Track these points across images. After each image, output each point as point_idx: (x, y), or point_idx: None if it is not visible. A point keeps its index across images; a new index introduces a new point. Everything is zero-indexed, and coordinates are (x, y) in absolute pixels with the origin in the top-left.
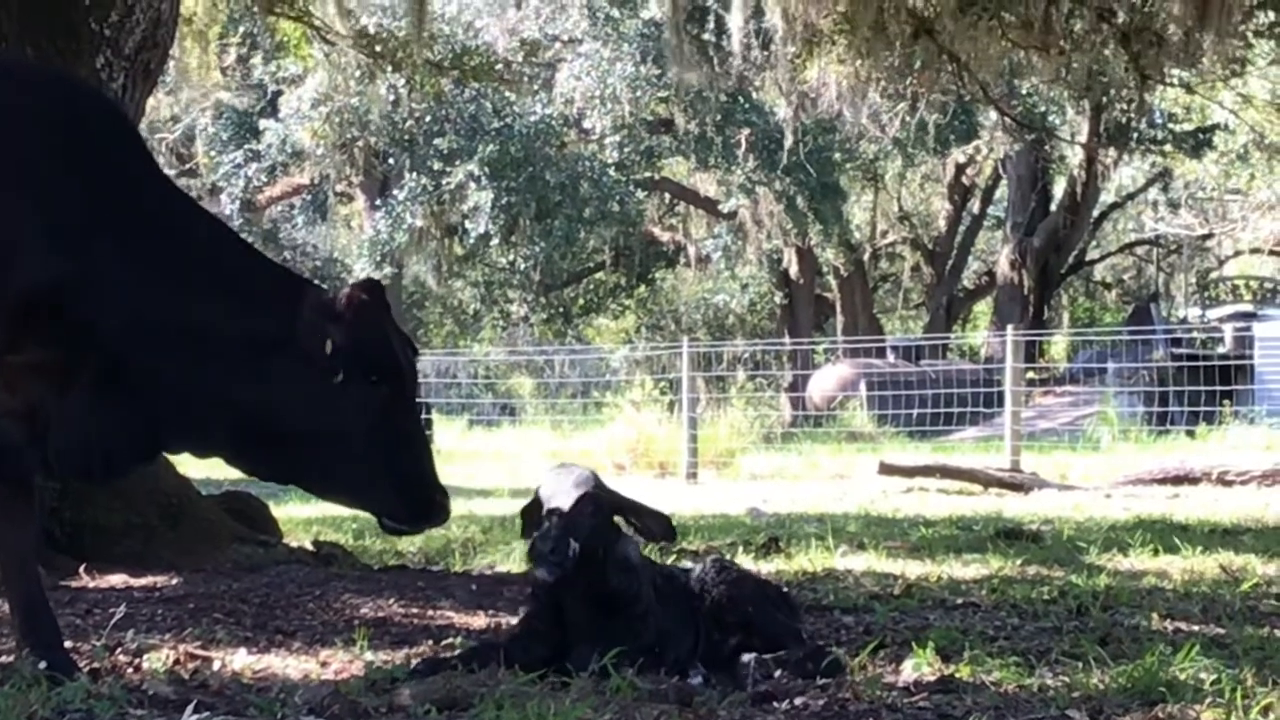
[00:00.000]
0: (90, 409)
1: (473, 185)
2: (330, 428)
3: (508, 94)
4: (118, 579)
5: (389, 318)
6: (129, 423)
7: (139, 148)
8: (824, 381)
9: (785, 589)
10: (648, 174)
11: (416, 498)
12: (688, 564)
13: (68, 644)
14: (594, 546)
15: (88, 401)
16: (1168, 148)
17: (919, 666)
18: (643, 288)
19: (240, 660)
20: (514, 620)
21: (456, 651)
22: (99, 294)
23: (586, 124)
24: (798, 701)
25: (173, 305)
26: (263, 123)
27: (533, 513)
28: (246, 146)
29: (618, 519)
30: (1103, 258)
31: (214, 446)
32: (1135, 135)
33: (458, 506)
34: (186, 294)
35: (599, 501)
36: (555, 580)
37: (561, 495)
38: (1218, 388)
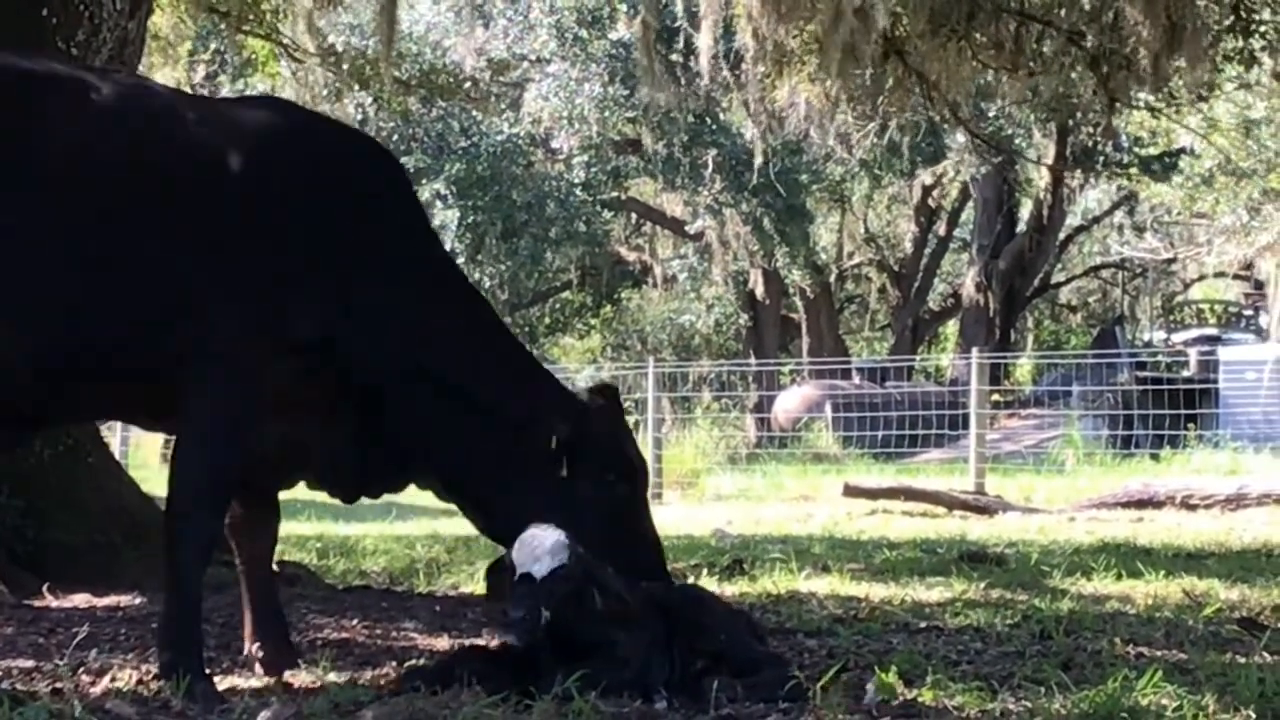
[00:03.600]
0: (354, 441)
1: (439, 204)
2: (571, 508)
3: (475, 113)
4: (81, 598)
5: (623, 422)
6: (384, 456)
7: (415, 207)
8: (789, 402)
9: (749, 612)
10: (614, 194)
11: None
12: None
13: (29, 663)
14: (565, 613)
15: (352, 434)
16: (1134, 171)
17: (882, 690)
18: (609, 307)
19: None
20: (476, 641)
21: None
22: (367, 343)
23: (554, 143)
24: None
25: (431, 364)
26: None
27: (497, 576)
28: None
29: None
30: (1068, 280)
31: (452, 494)
32: (1102, 158)
33: (422, 526)
34: (444, 356)
35: (572, 573)
36: (524, 646)
37: (533, 564)
38: (1182, 411)
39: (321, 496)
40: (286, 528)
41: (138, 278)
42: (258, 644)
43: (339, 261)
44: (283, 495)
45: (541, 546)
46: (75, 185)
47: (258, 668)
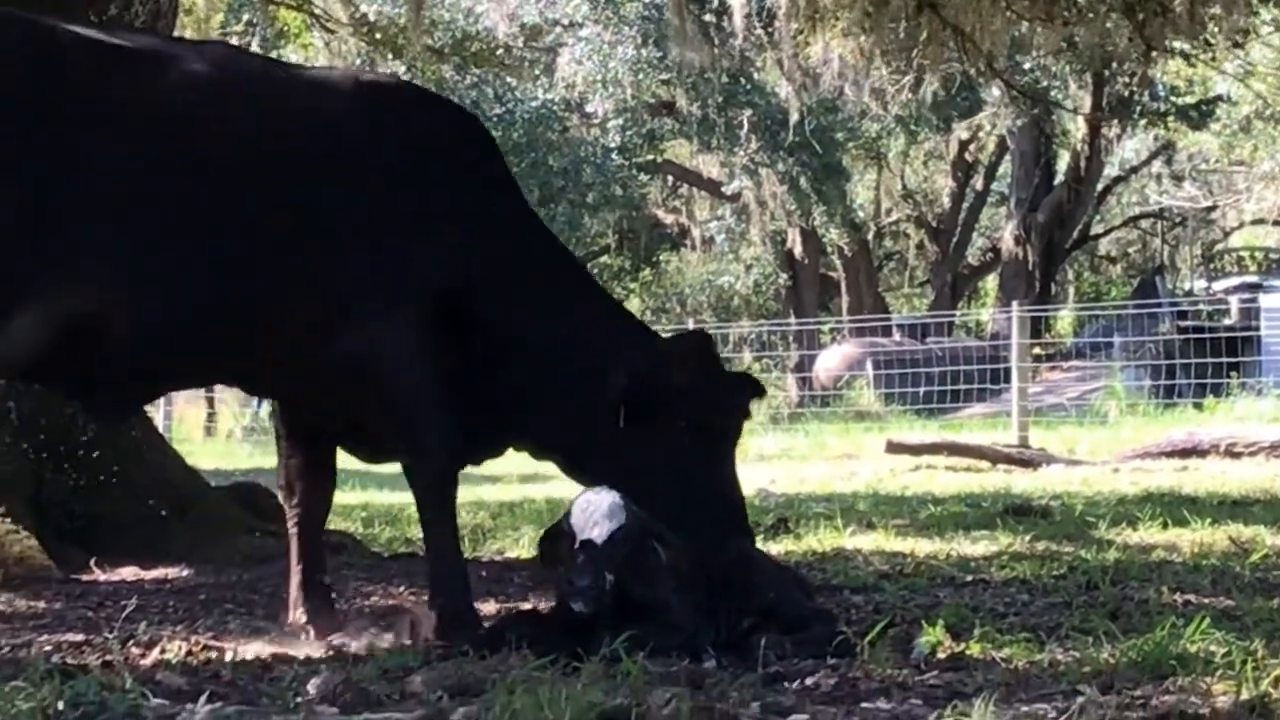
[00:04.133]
0: (467, 399)
1: None
2: (640, 460)
3: (509, 79)
4: (129, 571)
5: (717, 369)
6: (494, 414)
7: (505, 166)
8: (830, 361)
9: (796, 569)
10: (650, 157)
11: (709, 537)
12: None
13: (79, 637)
14: (626, 577)
15: (465, 391)
16: (1171, 119)
17: (929, 644)
18: (647, 271)
19: (252, 650)
20: (524, 606)
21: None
22: (476, 300)
23: (588, 108)
24: (809, 681)
25: (534, 322)
26: None
27: (553, 542)
28: None
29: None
30: (1107, 232)
31: (551, 453)
32: (1138, 107)
33: (466, 493)
34: (547, 313)
35: (631, 533)
36: (592, 613)
37: (592, 528)
38: (1224, 359)
39: (367, 465)
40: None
41: (276, 246)
42: (303, 609)
43: (448, 220)
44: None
45: (599, 510)
46: (210, 154)
47: (303, 634)
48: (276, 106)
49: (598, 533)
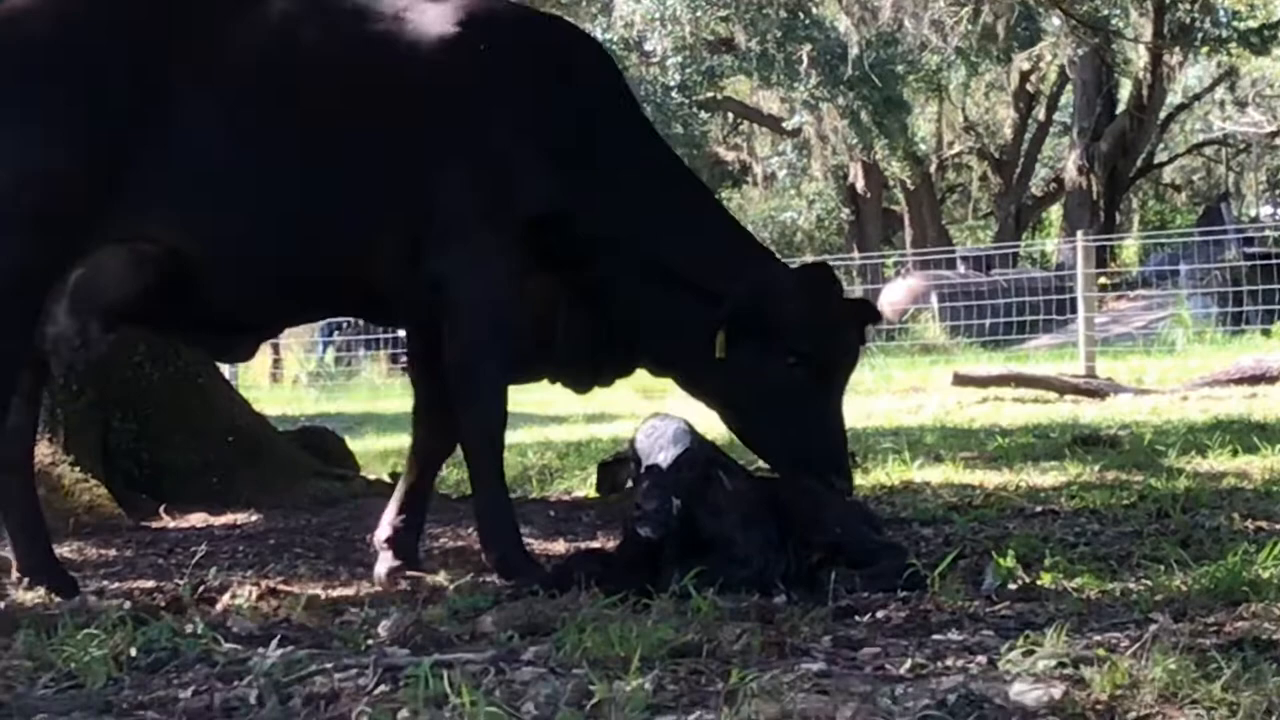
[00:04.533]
0: (587, 327)
1: None
2: (744, 388)
3: (566, 19)
4: (198, 518)
5: (832, 305)
6: (615, 341)
7: (626, 89)
8: (895, 295)
9: (865, 503)
10: (710, 94)
11: (805, 474)
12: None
13: (149, 584)
14: (692, 503)
15: (584, 320)
16: (1233, 45)
17: (1000, 575)
18: None
19: (323, 594)
20: (592, 545)
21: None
22: (593, 222)
23: (647, 47)
24: (880, 614)
25: (657, 241)
26: None
27: (613, 470)
28: None
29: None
30: (1171, 159)
31: (668, 371)
32: (1200, 34)
33: (533, 434)
34: (669, 232)
35: (696, 458)
36: (659, 537)
37: (658, 453)
38: None
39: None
40: (397, 441)
41: (374, 171)
42: (388, 539)
43: (558, 141)
44: (394, 408)
45: (664, 435)
46: (308, 81)
47: (379, 569)
48: (376, 28)
49: (663, 458)
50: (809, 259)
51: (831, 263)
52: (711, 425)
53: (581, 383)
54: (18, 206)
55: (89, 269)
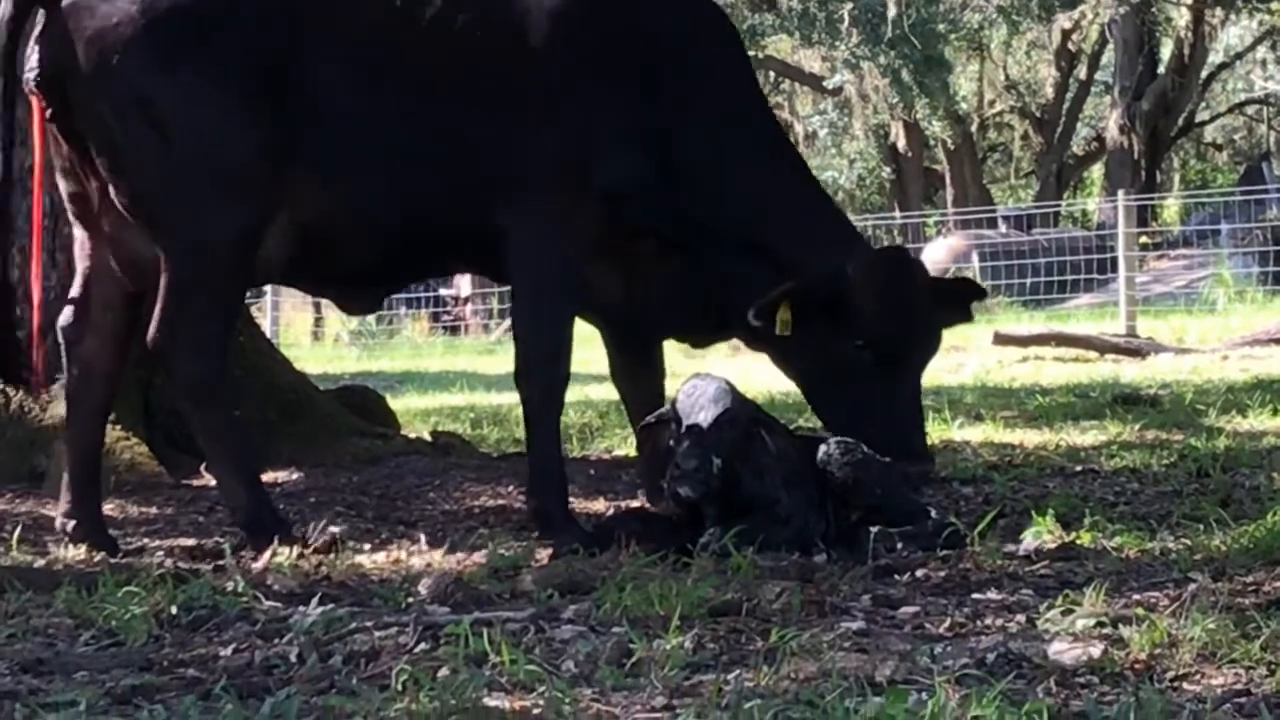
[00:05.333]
0: (677, 290)
1: None
2: (818, 367)
3: None
4: None
5: (909, 290)
6: (704, 301)
7: (738, 58)
8: (936, 254)
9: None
10: (751, 53)
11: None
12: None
13: (190, 542)
14: (734, 463)
15: (674, 284)
16: (1275, 5)
17: (1039, 534)
18: None
19: (363, 552)
20: (632, 504)
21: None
22: (678, 192)
23: None
24: (919, 574)
25: (746, 217)
26: None
27: (654, 431)
28: None
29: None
30: (1213, 119)
31: (753, 344)
32: None
33: (573, 393)
34: (758, 209)
35: (738, 417)
36: (699, 497)
37: (698, 412)
38: None
39: (474, 366)
40: (438, 400)
41: (465, 134)
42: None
43: (658, 112)
44: (434, 366)
45: (705, 395)
46: (428, 51)
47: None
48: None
49: (703, 417)
50: (850, 219)
51: (873, 222)
52: (752, 384)
53: (695, 340)
54: (219, 174)
55: None
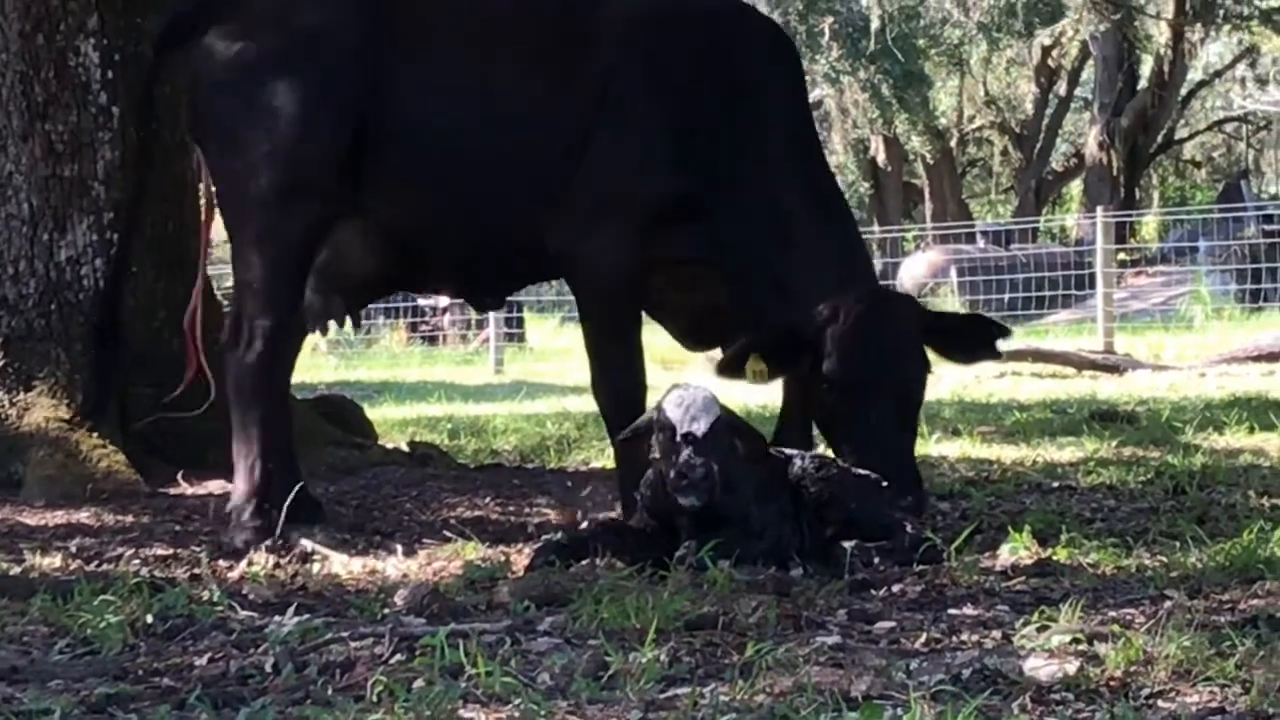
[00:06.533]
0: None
1: None
2: (816, 405)
3: None
4: (215, 484)
5: (888, 334)
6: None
7: (792, 89)
8: (915, 268)
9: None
10: None
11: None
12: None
13: (166, 550)
14: (727, 473)
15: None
16: (1255, 23)
17: (1016, 550)
18: None
19: (339, 562)
20: (610, 516)
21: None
22: (715, 215)
23: None
24: (895, 588)
25: (767, 251)
26: None
27: (633, 445)
28: None
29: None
30: (1192, 136)
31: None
32: (1222, 11)
33: (551, 404)
34: (780, 242)
35: (726, 429)
36: (704, 505)
37: (692, 421)
38: None
39: (452, 377)
40: (416, 409)
41: (531, 151)
42: None
43: (712, 139)
44: (412, 376)
45: (696, 403)
46: (478, 63)
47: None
48: (566, 14)
49: (698, 426)
50: None
51: None
52: (731, 397)
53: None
54: (284, 179)
55: (331, 251)
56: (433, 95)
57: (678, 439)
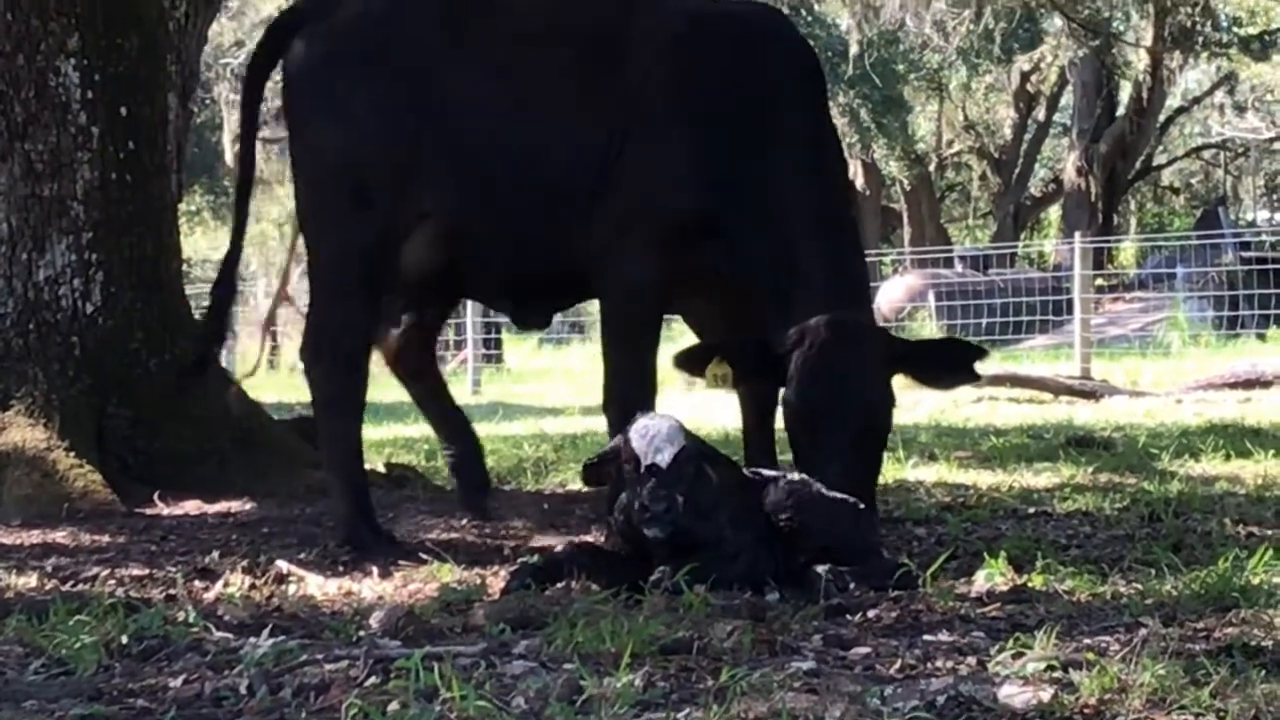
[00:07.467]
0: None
1: None
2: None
3: None
4: (192, 505)
5: (850, 364)
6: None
7: (811, 101)
8: (893, 293)
9: (854, 502)
10: None
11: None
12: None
13: (142, 571)
14: (688, 502)
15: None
16: (1233, 51)
17: (991, 577)
18: None
19: (315, 583)
20: (586, 538)
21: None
22: (727, 230)
23: None
24: (871, 614)
25: (772, 260)
26: None
27: (600, 467)
28: None
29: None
30: (1170, 162)
31: None
32: (1200, 39)
33: (528, 426)
34: (782, 257)
35: (692, 454)
36: (667, 537)
37: (656, 453)
38: None
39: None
40: (393, 430)
41: (569, 164)
42: None
43: (731, 149)
44: (389, 397)
45: (660, 434)
46: (523, 77)
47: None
48: (608, 32)
49: (662, 458)
50: None
51: None
52: (701, 423)
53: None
54: (355, 188)
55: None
56: (479, 107)
57: (642, 470)
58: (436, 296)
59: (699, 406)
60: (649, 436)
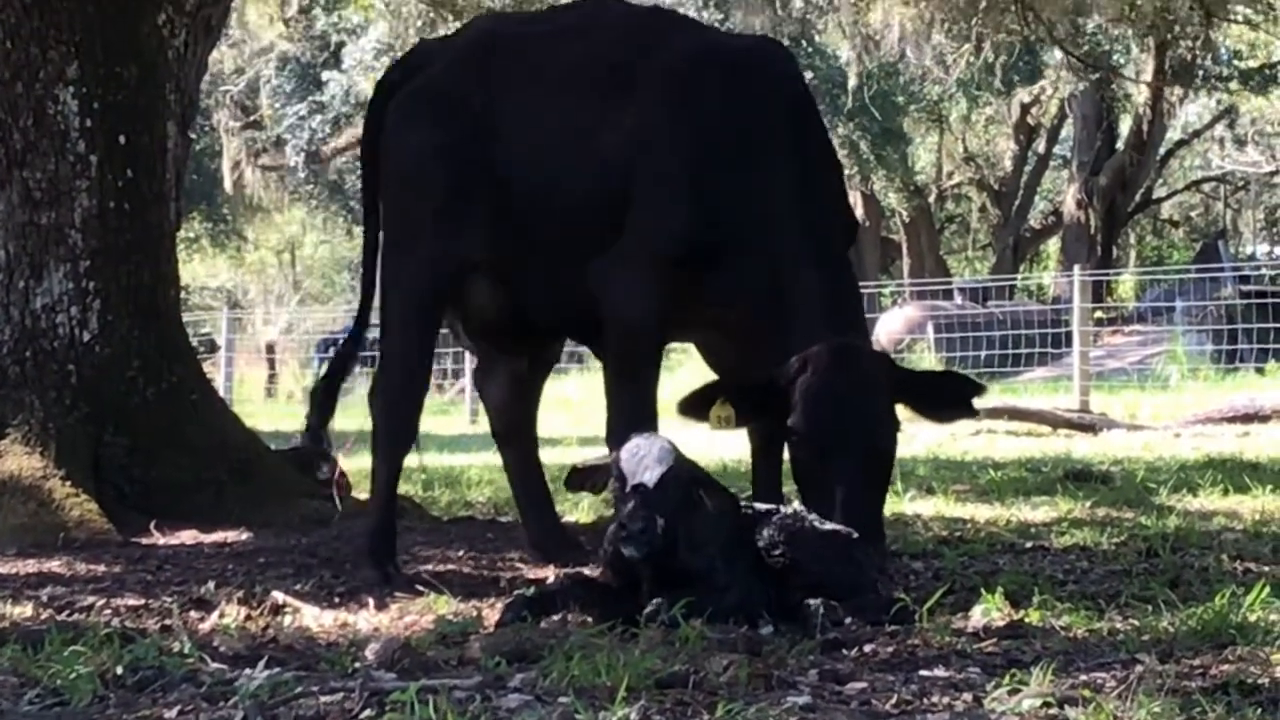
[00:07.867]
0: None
1: None
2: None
3: None
4: (188, 535)
5: (855, 390)
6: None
7: (805, 128)
8: (891, 324)
9: (849, 534)
10: None
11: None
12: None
13: (137, 601)
14: (674, 526)
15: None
16: (1233, 84)
17: (988, 612)
18: None
19: (311, 615)
20: (582, 570)
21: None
22: (728, 263)
23: None
24: (867, 648)
25: (768, 292)
26: (326, 74)
27: (582, 474)
28: (310, 98)
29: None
30: (1169, 195)
31: None
32: (1200, 72)
33: None
34: (778, 289)
35: (681, 477)
36: (643, 557)
37: (644, 472)
38: None
39: (427, 426)
40: None
41: (590, 200)
42: None
43: (728, 183)
44: None
45: (649, 455)
46: (564, 108)
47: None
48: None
49: (648, 477)
50: None
51: None
52: (712, 450)
53: None
54: (419, 232)
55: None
56: (514, 147)
57: (628, 489)
58: (516, 344)
59: (706, 436)
60: (639, 456)
